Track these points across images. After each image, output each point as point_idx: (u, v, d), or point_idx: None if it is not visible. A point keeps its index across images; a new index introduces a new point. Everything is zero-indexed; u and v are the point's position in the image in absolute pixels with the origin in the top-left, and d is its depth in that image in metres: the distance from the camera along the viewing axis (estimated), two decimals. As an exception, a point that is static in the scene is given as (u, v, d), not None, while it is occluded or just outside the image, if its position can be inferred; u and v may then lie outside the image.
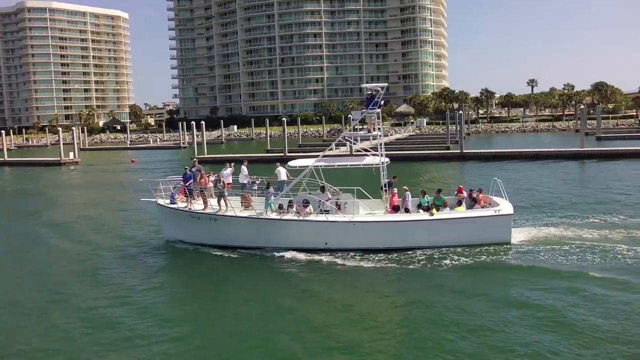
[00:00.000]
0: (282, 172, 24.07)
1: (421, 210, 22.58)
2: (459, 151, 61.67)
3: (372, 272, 19.74)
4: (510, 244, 21.61)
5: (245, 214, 22.85)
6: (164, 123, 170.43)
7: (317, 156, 24.02)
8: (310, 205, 22.36)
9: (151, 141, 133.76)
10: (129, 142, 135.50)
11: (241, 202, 23.62)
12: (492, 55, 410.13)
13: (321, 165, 22.98)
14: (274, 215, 22.34)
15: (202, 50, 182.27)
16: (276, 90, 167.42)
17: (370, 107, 23.02)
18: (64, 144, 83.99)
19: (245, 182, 24.87)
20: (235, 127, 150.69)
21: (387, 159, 23.61)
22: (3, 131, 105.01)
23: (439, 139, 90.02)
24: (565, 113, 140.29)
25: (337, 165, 23.10)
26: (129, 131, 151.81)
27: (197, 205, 23.65)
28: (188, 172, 24.25)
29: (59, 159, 79.34)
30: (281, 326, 15.52)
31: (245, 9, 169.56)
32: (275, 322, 15.83)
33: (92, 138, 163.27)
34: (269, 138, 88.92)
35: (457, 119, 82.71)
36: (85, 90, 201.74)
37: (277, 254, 21.61)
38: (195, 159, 28.13)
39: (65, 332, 15.77)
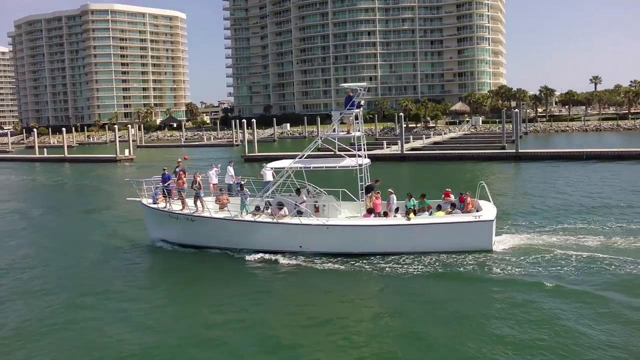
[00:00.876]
0: (267, 174, 24.02)
1: (399, 215, 21.77)
2: (514, 151, 59.34)
3: (340, 276, 19.16)
4: (492, 252, 20.48)
5: (221, 215, 22.72)
6: (218, 121, 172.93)
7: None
8: (285, 208, 22.01)
9: (205, 139, 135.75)
10: (183, 139, 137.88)
11: (216, 202, 23.55)
12: (553, 51, 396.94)
13: (297, 167, 22.68)
14: (248, 217, 22.09)
15: (257, 49, 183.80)
16: (329, 88, 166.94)
17: (348, 107, 22.40)
18: (120, 141, 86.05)
19: (231, 182, 24.96)
20: (288, 125, 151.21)
21: (368, 161, 23.07)
22: (64, 129, 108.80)
23: (494, 138, 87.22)
24: (632, 111, 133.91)
25: (313, 167, 22.59)
26: (184, 129, 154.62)
27: (177, 205, 23.65)
28: (166, 172, 24.44)
29: (114, 156, 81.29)
30: (239, 331, 15.13)
31: (299, 8, 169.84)
32: (234, 327, 15.46)
33: (149, 136, 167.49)
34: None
35: (513, 117, 79.83)
36: (144, 89, 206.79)
37: (250, 256, 21.32)
38: (179, 159, 27.85)
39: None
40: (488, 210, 21.37)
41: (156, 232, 24.59)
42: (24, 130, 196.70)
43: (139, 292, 18.91)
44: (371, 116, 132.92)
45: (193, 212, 22.97)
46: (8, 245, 26.82)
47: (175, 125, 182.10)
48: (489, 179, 46.30)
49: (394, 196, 22.37)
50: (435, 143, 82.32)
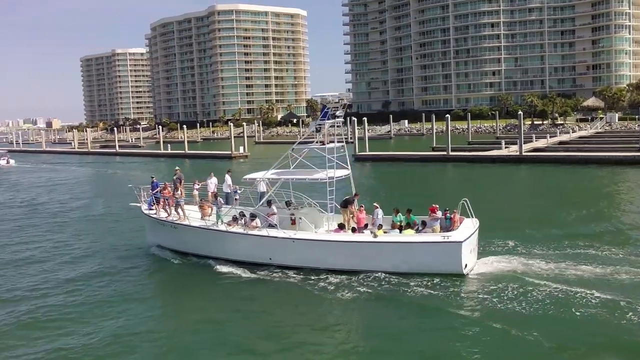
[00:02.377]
0: (261, 184, 24.02)
1: (369, 230, 20.97)
2: (654, 153, 52.75)
3: (294, 292, 18.90)
4: (462, 276, 18.94)
5: (197, 223, 23.11)
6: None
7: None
8: (257, 219, 21.93)
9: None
10: (299, 136, 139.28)
11: (199, 210, 23.95)
12: None
13: (268, 179, 22.85)
14: (222, 227, 22.19)
15: (376, 45, 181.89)
16: (450, 83, 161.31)
17: (321, 117, 22.01)
18: (237, 137, 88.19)
19: (229, 191, 25.37)
20: (407, 121, 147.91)
21: (344, 172, 22.27)
22: (185, 126, 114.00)
23: (632, 137, 78.78)
24: None
25: (284, 179, 22.73)
26: (301, 125, 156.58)
27: (184, 212, 24.18)
28: (154, 181, 26.32)
29: (230, 152, 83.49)
30: (196, 341, 15.40)
31: (419, 1, 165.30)
32: (188, 335, 15.85)
33: (269, 132, 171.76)
34: (434, 134, 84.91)
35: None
36: (266, 86, 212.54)
37: (223, 267, 21.55)
38: (177, 168, 28.81)
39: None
40: (463, 231, 19.79)
41: (152, 238, 25.67)
42: (156, 125, 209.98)
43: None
44: (493, 113, 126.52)
45: (176, 220, 23.78)
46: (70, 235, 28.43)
47: (295, 121, 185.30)
48: (616, 188, 41.24)
49: (379, 210, 21.67)
50: (561, 143, 75.72)
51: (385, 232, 20.65)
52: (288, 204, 23.01)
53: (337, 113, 22.25)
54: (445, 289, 18.14)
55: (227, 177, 25.71)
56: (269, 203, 22.74)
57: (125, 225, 31.65)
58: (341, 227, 21.51)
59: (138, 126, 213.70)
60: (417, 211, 21.86)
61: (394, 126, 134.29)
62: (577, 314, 15.60)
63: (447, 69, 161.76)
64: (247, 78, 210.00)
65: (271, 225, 21.56)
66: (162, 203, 24.70)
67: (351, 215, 22.13)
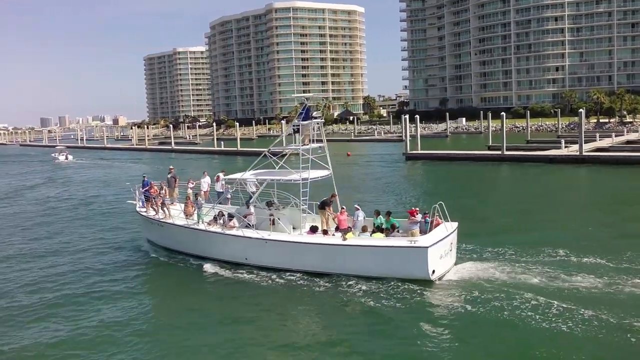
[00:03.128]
0: (250, 184, 24.34)
1: (340, 233, 20.60)
2: None
3: (262, 292, 19.11)
4: (429, 282, 18.61)
5: (180, 222, 23.81)
6: (391, 115, 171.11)
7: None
8: (235, 219, 22.36)
9: (375, 133, 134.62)
10: (353, 134, 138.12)
11: (185, 209, 24.59)
12: None
13: (246, 179, 23.31)
14: (202, 226, 22.74)
15: (433, 40, 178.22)
16: (510, 80, 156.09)
17: (297, 119, 22.19)
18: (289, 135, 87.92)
19: (221, 190, 25.88)
20: (464, 119, 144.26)
21: (326, 172, 22.33)
22: (237, 123, 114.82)
23: None
24: None
25: (259, 180, 23.22)
26: (355, 123, 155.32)
27: (168, 211, 25.05)
28: (145, 179, 27.60)
29: (281, 150, 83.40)
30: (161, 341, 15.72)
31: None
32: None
33: (325, 129, 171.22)
34: (491, 133, 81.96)
35: None
36: (322, 83, 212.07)
37: (205, 264, 21.90)
38: (171, 166, 30.06)
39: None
40: (432, 235, 19.35)
41: (145, 234, 27.10)
42: (214, 123, 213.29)
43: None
44: (555, 110, 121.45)
45: (162, 218, 24.70)
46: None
47: (351, 118, 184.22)
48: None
49: (360, 212, 21.65)
50: (628, 142, 71.43)
51: (358, 235, 20.47)
52: (269, 204, 23.24)
53: (314, 114, 22.44)
54: (408, 294, 17.90)
55: (221, 176, 26.32)
56: (246, 203, 23.17)
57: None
58: (314, 229, 21.50)
59: (197, 123, 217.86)
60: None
61: (451, 124, 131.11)
62: (537, 326, 14.90)
63: (507, 65, 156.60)
64: (304, 75, 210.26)
65: (248, 226, 21.89)
66: (150, 201, 25.78)
67: (330, 217, 22.22)
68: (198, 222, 23.08)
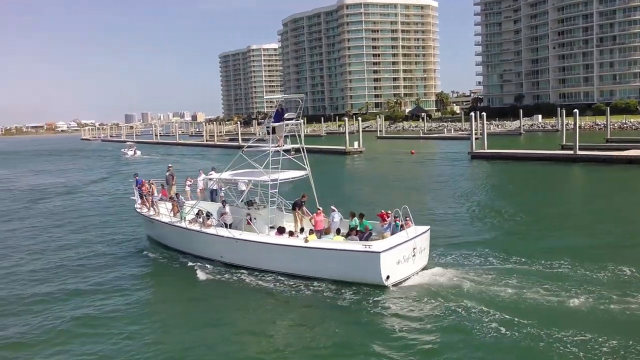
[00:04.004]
0: (240, 184, 25.02)
1: (303, 236, 20.81)
2: None
3: (233, 290, 19.70)
4: (383, 287, 18.41)
5: (166, 219, 24.82)
6: (462, 112, 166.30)
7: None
8: (213, 218, 23.07)
9: (445, 131, 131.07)
10: (421, 131, 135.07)
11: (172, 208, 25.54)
12: None
13: (223, 179, 24.03)
14: (183, 224, 23.57)
15: (509, 34, 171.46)
16: (591, 74, 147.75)
17: (275, 119, 22.50)
18: (365, 131, 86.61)
19: (216, 187, 26.34)
20: (540, 116, 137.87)
21: (302, 173, 22.62)
22: (304, 119, 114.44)
23: None
24: None
25: (233, 180, 24.08)
26: (425, 120, 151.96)
27: (162, 209, 26.03)
28: (137, 178, 28.79)
29: (344, 148, 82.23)
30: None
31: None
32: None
33: (395, 126, 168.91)
34: (565, 131, 77.46)
35: None
36: (394, 80, 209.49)
37: (193, 263, 22.50)
38: (170, 165, 31.18)
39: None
40: (390, 240, 19.30)
41: (145, 229, 28.30)
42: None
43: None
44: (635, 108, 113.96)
45: (151, 215, 26.01)
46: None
47: (423, 115, 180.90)
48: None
49: (335, 214, 21.64)
50: None
51: (333, 237, 20.59)
52: (249, 203, 23.79)
53: (286, 115, 22.60)
54: (360, 298, 17.90)
55: (213, 174, 26.82)
56: (223, 202, 23.76)
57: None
58: (281, 230, 21.65)
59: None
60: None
61: (525, 121, 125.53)
62: (477, 338, 14.41)
63: (588, 59, 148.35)
64: (375, 72, 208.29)
65: (226, 225, 22.39)
66: (142, 199, 27.38)
67: (303, 217, 22.51)
68: (180, 220, 23.99)
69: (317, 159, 77.42)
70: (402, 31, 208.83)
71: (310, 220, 22.10)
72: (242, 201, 24.30)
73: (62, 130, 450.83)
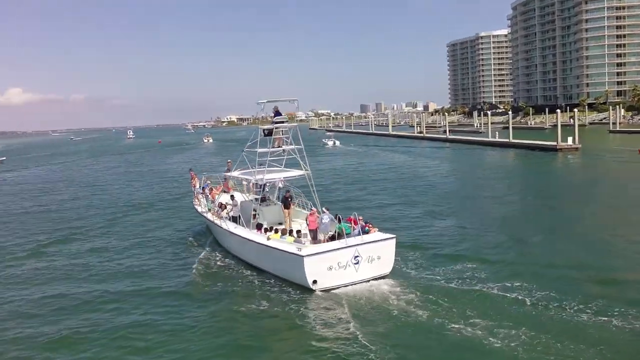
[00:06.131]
0: (276, 181, 26.29)
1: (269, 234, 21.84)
2: None
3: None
4: (310, 291, 18.73)
5: (200, 209, 28.74)
6: None
7: None
8: (225, 211, 25.60)
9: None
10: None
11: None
12: None
13: (231, 177, 27.96)
14: (208, 215, 26.92)
15: None
16: None
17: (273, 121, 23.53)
18: (602, 124, 76.54)
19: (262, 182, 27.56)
20: None
21: (299, 173, 23.76)
22: (477, 111, 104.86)
23: None
24: None
25: (230, 177, 27.80)
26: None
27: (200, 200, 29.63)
28: (192, 173, 32.91)
29: (554, 144, 72.90)
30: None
31: None
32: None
33: (639, 117, 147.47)
34: None
35: None
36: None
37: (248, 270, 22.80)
38: (229, 161, 32.05)
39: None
40: (324, 245, 19.89)
41: None
42: (510, 110, 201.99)
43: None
44: None
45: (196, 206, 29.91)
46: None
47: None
48: None
49: (325, 215, 21.55)
50: None
51: (324, 238, 21.02)
52: (263, 199, 25.36)
53: (276, 119, 23.49)
54: (288, 299, 18.61)
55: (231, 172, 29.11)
56: (231, 197, 26.20)
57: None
58: (259, 226, 22.71)
59: (494, 111, 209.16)
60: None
61: None
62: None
63: None
64: (619, 55, 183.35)
65: (234, 218, 24.48)
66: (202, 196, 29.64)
67: (289, 215, 23.91)
68: (206, 211, 27.39)
69: (518, 156, 70.26)
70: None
71: (306, 219, 22.87)
72: (275, 198, 26.46)
73: (300, 120, 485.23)
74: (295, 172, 24.33)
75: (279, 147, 23.66)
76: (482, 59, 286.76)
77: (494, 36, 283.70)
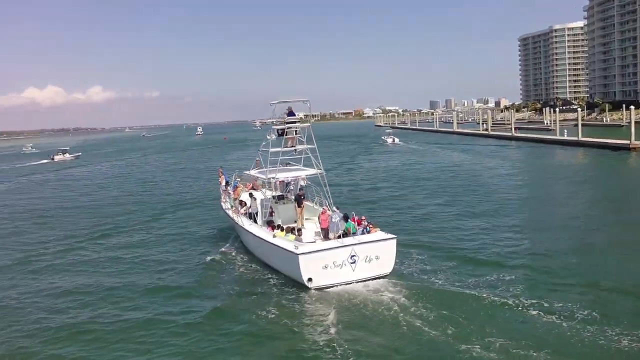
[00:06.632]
0: (299, 179, 26.85)
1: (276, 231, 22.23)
2: None
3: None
4: (306, 288, 19.01)
5: (224, 205, 29.47)
6: None
7: None
8: (244, 208, 26.35)
9: None
10: None
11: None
12: None
13: (245, 175, 29.69)
14: (229, 212, 27.67)
15: None
16: None
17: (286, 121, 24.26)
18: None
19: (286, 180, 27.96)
20: None
21: (311, 172, 23.98)
22: (548, 108, 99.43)
23: None
24: None
25: (245, 175, 29.57)
26: None
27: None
28: (221, 171, 33.82)
29: (627, 142, 68.32)
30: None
31: None
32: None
33: None
34: None
35: None
36: None
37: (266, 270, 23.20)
38: (257, 159, 30.98)
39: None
40: (319, 244, 20.09)
41: None
42: (585, 106, 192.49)
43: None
44: None
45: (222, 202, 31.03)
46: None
47: None
48: None
49: (335, 215, 21.48)
50: None
51: (335, 237, 20.89)
52: (280, 197, 25.78)
53: (287, 119, 23.97)
54: (284, 294, 18.95)
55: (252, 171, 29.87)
56: (250, 194, 26.37)
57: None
58: (269, 223, 23.11)
59: (570, 107, 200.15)
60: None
61: None
62: None
63: None
64: None
65: (250, 215, 24.95)
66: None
67: (301, 213, 24.13)
68: (229, 208, 27.93)
69: (586, 155, 66.34)
70: None
71: (318, 217, 22.95)
72: (294, 195, 26.52)
73: (367, 117, 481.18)
74: (308, 171, 24.47)
75: (292, 147, 23.92)
76: (556, 53, 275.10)
77: (568, 29, 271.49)
